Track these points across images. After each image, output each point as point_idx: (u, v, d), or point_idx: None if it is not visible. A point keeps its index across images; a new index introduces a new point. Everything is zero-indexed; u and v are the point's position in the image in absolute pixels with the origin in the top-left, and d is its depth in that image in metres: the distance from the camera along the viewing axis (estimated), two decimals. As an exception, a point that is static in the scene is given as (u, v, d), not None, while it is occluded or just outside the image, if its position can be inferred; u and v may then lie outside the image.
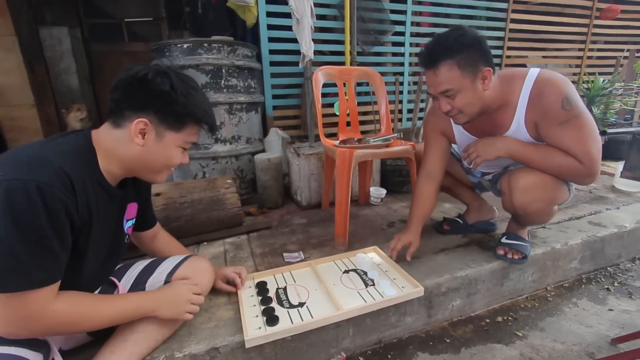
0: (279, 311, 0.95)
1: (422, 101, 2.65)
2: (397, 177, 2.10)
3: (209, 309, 0.98)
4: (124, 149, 0.73)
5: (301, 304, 0.99)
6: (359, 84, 2.62)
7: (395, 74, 2.69)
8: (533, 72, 1.00)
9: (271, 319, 0.90)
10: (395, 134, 1.56)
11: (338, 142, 1.56)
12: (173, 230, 1.39)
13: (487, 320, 1.16)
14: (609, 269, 1.46)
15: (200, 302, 0.88)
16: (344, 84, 1.76)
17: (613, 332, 1.06)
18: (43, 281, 0.60)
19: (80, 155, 0.69)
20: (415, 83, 2.87)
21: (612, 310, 1.18)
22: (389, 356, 1.00)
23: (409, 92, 2.89)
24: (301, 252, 1.34)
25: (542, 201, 1.04)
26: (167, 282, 0.89)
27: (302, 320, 0.91)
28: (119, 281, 0.87)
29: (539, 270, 1.30)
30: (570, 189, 1.10)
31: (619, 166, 1.97)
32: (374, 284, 1.08)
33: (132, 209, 0.89)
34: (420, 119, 2.45)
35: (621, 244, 1.49)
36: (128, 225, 0.88)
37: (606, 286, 1.33)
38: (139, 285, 0.88)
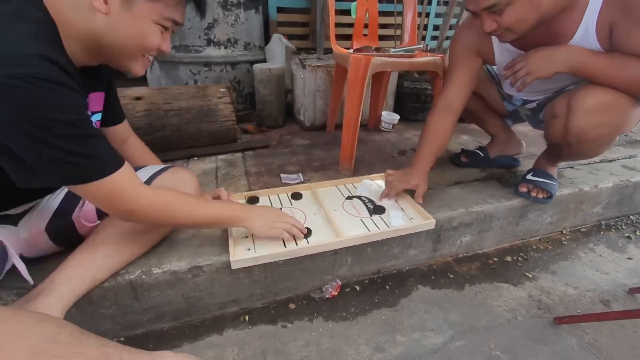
0: (272, 233, 0.86)
1: (454, 16, 2.26)
2: (413, 102, 1.87)
3: (193, 226, 0.89)
4: (83, 20, 0.55)
5: (297, 228, 0.89)
6: None
7: (426, -24, 2.24)
8: None
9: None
10: (421, 45, 1.31)
11: (352, 50, 1.31)
12: (159, 140, 1.25)
13: (495, 259, 1.08)
14: (631, 217, 1.36)
15: (293, 222, 0.83)
16: (366, -24, 1.43)
17: (631, 282, 0.99)
18: (117, 162, 0.59)
19: (43, 34, 0.52)
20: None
21: (631, 259, 1.10)
22: (387, 287, 0.95)
23: (438, 3, 2.46)
24: (300, 174, 1.22)
25: (609, 126, 0.84)
26: (142, 192, 0.77)
27: (297, 245, 0.83)
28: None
29: (560, 212, 1.19)
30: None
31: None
32: (379, 213, 0.97)
33: (97, 99, 0.73)
34: (448, 38, 2.11)
35: (653, 191, 1.36)
36: (95, 119, 0.73)
37: (627, 234, 1.24)
38: None
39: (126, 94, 1.22)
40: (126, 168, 0.61)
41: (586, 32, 0.81)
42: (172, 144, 1.29)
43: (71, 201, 0.73)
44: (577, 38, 0.82)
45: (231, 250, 0.78)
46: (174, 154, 1.30)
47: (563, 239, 1.20)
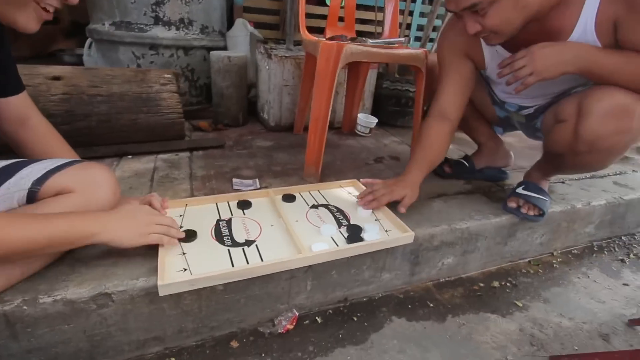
0: (217, 250, 0.75)
1: (437, 17, 2.29)
2: (393, 105, 1.84)
3: (108, 240, 0.75)
4: None
5: (248, 242, 0.78)
6: None
7: (410, -29, 2.26)
8: None
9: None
10: (402, 39, 1.27)
11: (324, 38, 1.25)
12: (79, 132, 1.10)
13: (481, 285, 1.03)
14: (623, 238, 1.37)
15: (169, 223, 0.72)
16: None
17: (629, 311, 0.96)
18: None
19: None
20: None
21: (627, 285, 1.08)
22: (355, 319, 0.85)
23: (423, 2, 2.49)
24: (257, 180, 1.11)
25: (627, 134, 0.78)
26: (32, 192, 0.63)
27: (248, 262, 0.72)
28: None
29: (551, 232, 1.17)
30: None
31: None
32: (349, 224, 0.88)
33: None
34: (431, 40, 2.12)
35: (645, 211, 1.38)
36: None
37: (620, 257, 1.24)
38: None
39: (41, 72, 1.08)
40: None
41: (585, 30, 0.78)
42: (98, 137, 1.15)
43: None
44: (576, 35, 0.79)
45: (160, 270, 0.65)
46: (102, 150, 1.16)
47: (554, 261, 1.17)
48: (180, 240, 0.75)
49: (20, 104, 0.74)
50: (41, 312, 0.61)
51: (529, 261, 1.17)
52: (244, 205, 0.92)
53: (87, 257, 0.70)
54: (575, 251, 1.25)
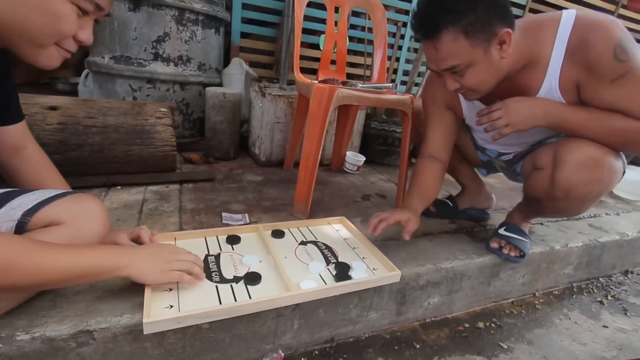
0: (204, 286, 0.74)
1: (422, 64, 2.44)
2: (380, 144, 1.91)
3: (93, 273, 0.74)
4: None
5: (237, 279, 0.78)
6: (354, 16, 2.31)
7: (397, 22, 2.44)
8: (569, 16, 0.81)
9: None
10: (390, 84, 1.34)
11: (317, 81, 1.31)
12: (71, 161, 1.10)
13: (467, 325, 1.03)
14: (601, 279, 1.41)
15: (193, 260, 0.73)
16: (336, 10, 1.49)
17: (610, 354, 0.97)
18: None
19: None
20: (418, 40, 2.64)
21: (606, 327, 1.10)
22: None
23: (408, 50, 2.66)
24: (246, 215, 1.12)
25: (600, 182, 0.84)
26: (21, 222, 0.62)
27: (236, 300, 0.71)
28: None
29: (532, 273, 1.19)
30: (624, 167, 0.92)
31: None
32: (337, 262, 0.89)
33: None
34: (417, 84, 2.25)
35: (619, 253, 1.44)
36: None
37: (599, 298, 1.26)
38: None
39: (38, 102, 1.09)
40: None
41: (550, 89, 0.86)
42: (89, 167, 1.15)
43: None
44: (543, 92, 0.87)
45: (146, 307, 0.64)
46: (91, 180, 1.15)
47: (537, 302, 1.19)
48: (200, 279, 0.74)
49: (18, 133, 0.75)
50: (17, 351, 0.58)
51: (512, 302, 1.18)
52: (233, 240, 0.92)
53: (69, 292, 0.68)
54: (556, 292, 1.28)
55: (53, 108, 1.09)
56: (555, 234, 1.31)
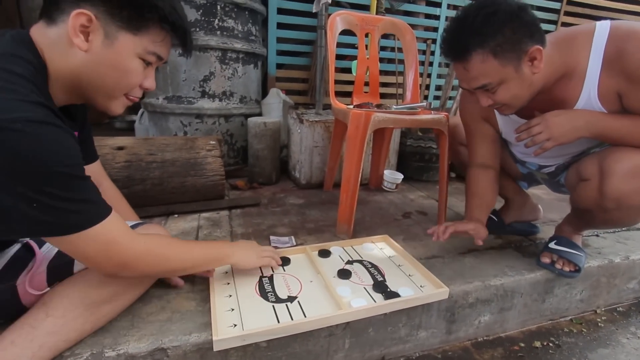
0: (262, 305, 0.80)
1: (456, 77, 2.44)
2: (417, 161, 1.91)
3: (162, 296, 0.82)
4: (62, 58, 0.57)
5: (291, 299, 0.83)
6: (383, 38, 2.38)
7: (426, 39, 2.47)
8: (603, 27, 0.81)
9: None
10: (424, 103, 1.37)
11: (352, 106, 1.37)
12: (136, 194, 1.23)
13: (522, 345, 0.99)
14: (672, 294, 1.29)
15: (274, 252, 0.93)
16: (366, 36, 1.56)
17: (689, 377, 0.89)
18: (107, 206, 0.59)
19: (34, 76, 0.54)
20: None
21: (683, 347, 1.01)
22: (394, 379, 0.84)
23: (439, 65, 2.67)
24: (293, 237, 1.17)
25: None
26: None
27: (293, 319, 0.75)
28: (39, 247, 0.70)
29: (590, 288, 1.13)
30: None
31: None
32: (384, 280, 0.91)
33: None
34: (451, 98, 2.24)
35: (692, 265, 1.31)
36: None
37: (672, 316, 1.16)
38: (62, 254, 0.68)
39: (107, 144, 1.24)
40: (116, 214, 0.60)
41: (589, 99, 0.85)
42: (151, 198, 1.27)
43: (15, 265, 0.67)
44: (581, 104, 0.86)
45: (214, 326, 0.70)
46: (152, 210, 1.27)
47: (599, 320, 1.12)
48: (280, 265, 0.94)
49: (95, 171, 0.86)
50: (105, 366, 0.66)
51: (571, 319, 1.12)
52: (284, 261, 0.97)
53: (144, 313, 0.76)
54: (621, 308, 1.19)
55: (120, 148, 1.23)
56: (613, 246, 1.23)
